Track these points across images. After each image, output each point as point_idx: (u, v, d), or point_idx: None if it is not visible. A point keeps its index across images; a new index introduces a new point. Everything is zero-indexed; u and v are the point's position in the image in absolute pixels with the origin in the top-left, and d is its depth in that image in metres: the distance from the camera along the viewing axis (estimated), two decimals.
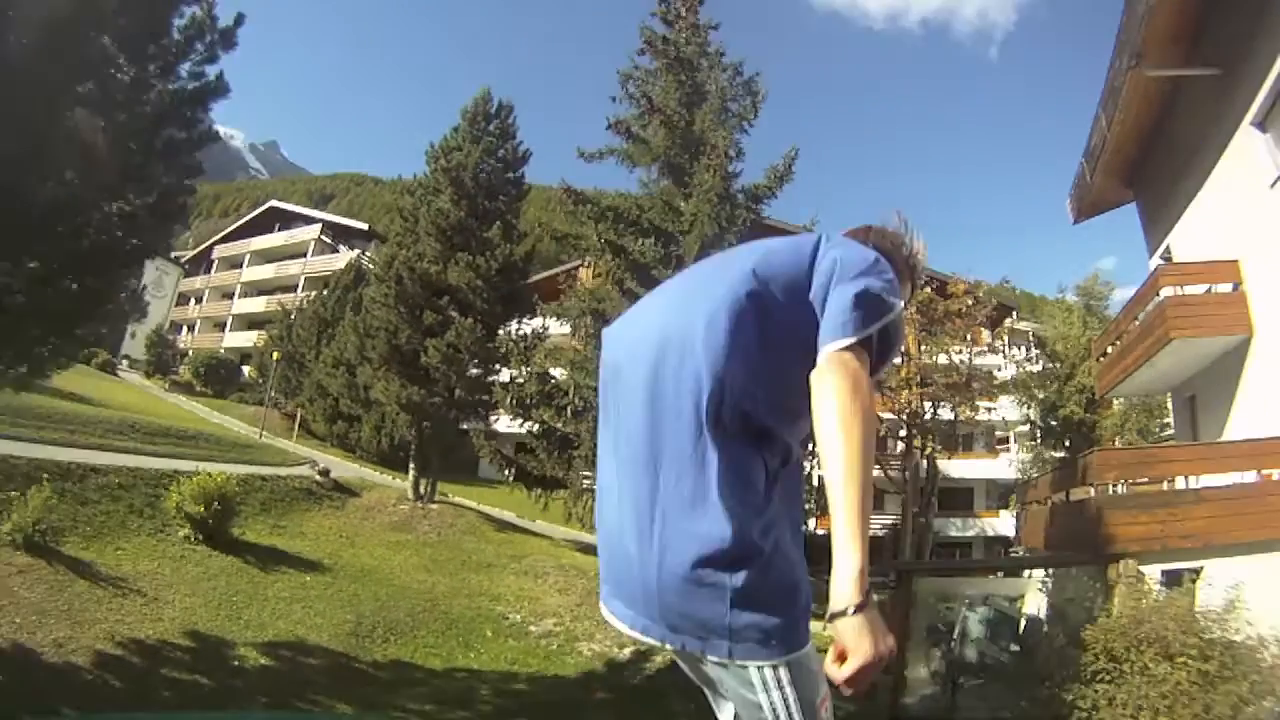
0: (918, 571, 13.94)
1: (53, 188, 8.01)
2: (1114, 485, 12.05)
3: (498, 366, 23.23)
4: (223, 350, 53.54)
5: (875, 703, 11.53)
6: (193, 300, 62.67)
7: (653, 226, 17.48)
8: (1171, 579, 10.27)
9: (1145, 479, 12.60)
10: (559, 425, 17.31)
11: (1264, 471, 10.84)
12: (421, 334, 22.51)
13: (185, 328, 61.25)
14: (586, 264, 20.39)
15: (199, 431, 25.43)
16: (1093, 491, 11.67)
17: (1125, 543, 10.33)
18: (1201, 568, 10.18)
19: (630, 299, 15.45)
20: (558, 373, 18.32)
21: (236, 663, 10.96)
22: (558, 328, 21.72)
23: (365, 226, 59.90)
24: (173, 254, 60.64)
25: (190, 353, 54.20)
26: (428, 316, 22.52)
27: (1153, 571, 10.30)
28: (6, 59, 7.25)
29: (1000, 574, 14.92)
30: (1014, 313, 41.41)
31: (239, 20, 9.53)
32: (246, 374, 47.88)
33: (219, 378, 46.80)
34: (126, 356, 50.86)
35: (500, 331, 22.43)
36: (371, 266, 32.16)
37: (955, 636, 11.63)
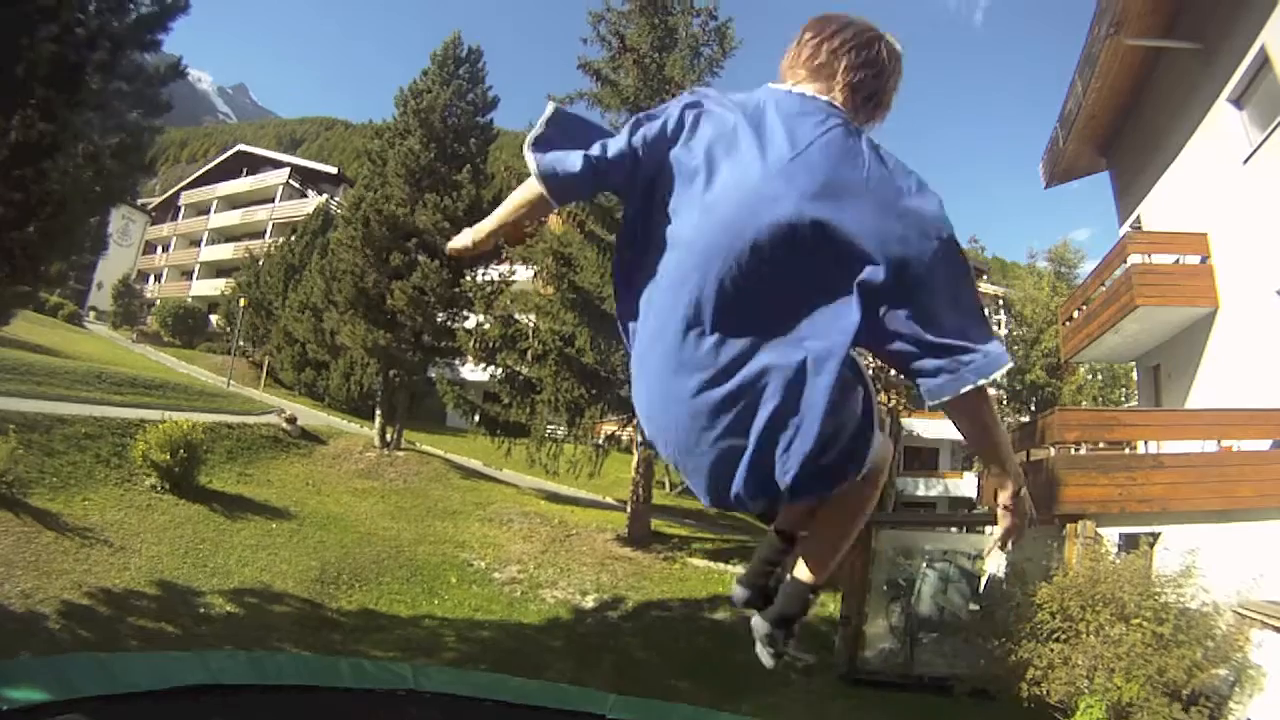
0: (878, 523, 14.07)
1: (18, 128, 7.82)
2: (1074, 447, 12.23)
3: (465, 313, 23.14)
4: (190, 299, 52.63)
5: (834, 655, 11.77)
6: (159, 248, 61.32)
7: None
8: (1129, 542, 10.47)
9: (1105, 442, 12.80)
10: (522, 370, 17.28)
11: (1224, 442, 11.04)
12: (388, 277, 22.39)
13: (152, 277, 59.96)
14: (555, 210, 20.28)
15: (166, 381, 25.13)
16: (1053, 452, 11.83)
17: (1084, 504, 10.49)
18: (1159, 533, 10.40)
19: (594, 242, 15.38)
20: (522, 318, 18.26)
21: (203, 610, 10.99)
22: (524, 273, 21.65)
23: (335, 170, 58.83)
24: (139, 201, 59.49)
25: (157, 302, 53.27)
26: (394, 258, 22.39)
27: (1110, 534, 10.49)
28: None
29: (962, 529, 15.10)
30: (984, 275, 41.68)
31: None
32: (214, 323, 47.23)
33: (187, 327, 46.16)
34: (93, 308, 50.05)
35: (466, 277, 22.32)
36: (339, 211, 31.78)
37: (915, 592, 11.82)
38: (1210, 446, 11.24)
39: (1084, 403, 32.86)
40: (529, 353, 16.76)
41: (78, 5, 8.38)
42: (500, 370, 17.46)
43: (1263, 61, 11.26)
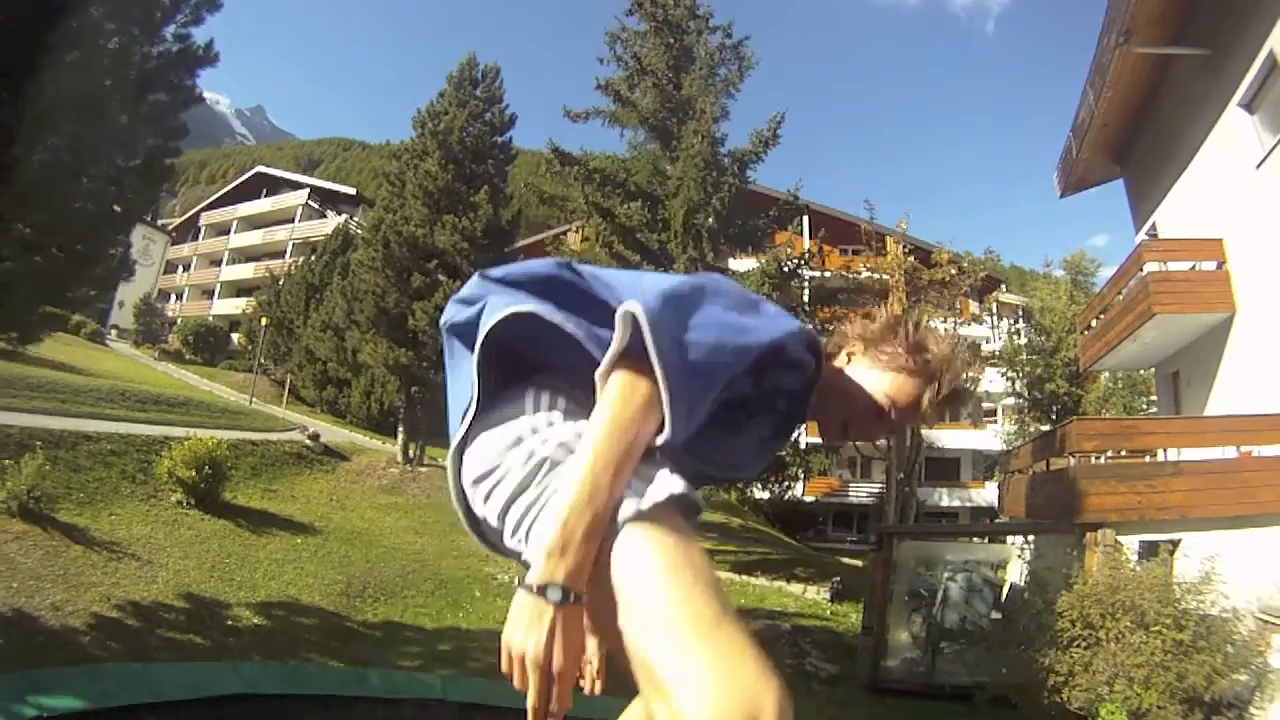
0: (899, 534, 14.12)
1: (42, 155, 8.01)
2: (1094, 456, 12.23)
3: None
4: (211, 318, 53.18)
5: (856, 665, 11.80)
6: (180, 268, 62.00)
7: (639, 189, 17.37)
8: (1149, 550, 10.49)
9: (1124, 450, 12.80)
10: None
11: (1243, 448, 11.04)
12: (409, 297, 22.60)
13: (174, 296, 60.68)
14: (575, 229, 20.24)
15: (189, 399, 25.38)
16: (1072, 461, 11.85)
17: (1103, 512, 10.51)
18: (1179, 540, 10.41)
19: (619, 262, 15.41)
20: None
21: (231, 622, 11.09)
22: None
23: (353, 191, 59.23)
24: (160, 221, 60.15)
25: (179, 321, 53.81)
26: (415, 279, 22.61)
27: (1130, 542, 10.50)
28: None
29: (983, 539, 15.09)
30: (1003, 285, 41.54)
31: None
32: (236, 341, 47.68)
33: (208, 345, 46.63)
34: (115, 326, 50.55)
35: None
36: (359, 231, 32.02)
37: (937, 602, 11.84)
38: (1230, 453, 11.23)
39: (1109, 412, 32.63)
40: None
41: (101, 31, 8.54)
42: None
43: (1272, 65, 11.30)
